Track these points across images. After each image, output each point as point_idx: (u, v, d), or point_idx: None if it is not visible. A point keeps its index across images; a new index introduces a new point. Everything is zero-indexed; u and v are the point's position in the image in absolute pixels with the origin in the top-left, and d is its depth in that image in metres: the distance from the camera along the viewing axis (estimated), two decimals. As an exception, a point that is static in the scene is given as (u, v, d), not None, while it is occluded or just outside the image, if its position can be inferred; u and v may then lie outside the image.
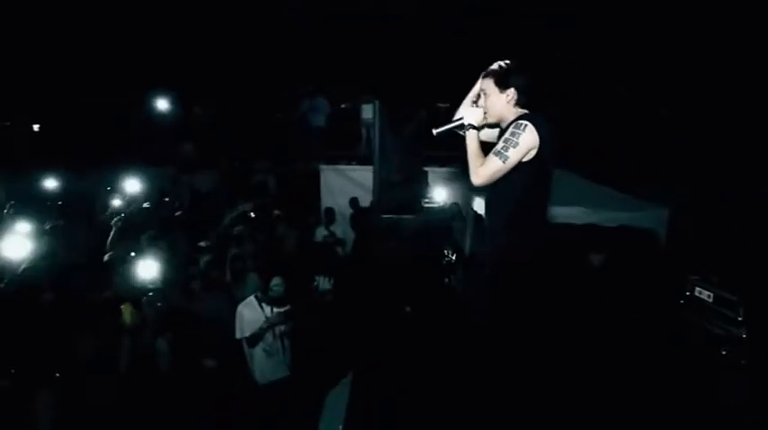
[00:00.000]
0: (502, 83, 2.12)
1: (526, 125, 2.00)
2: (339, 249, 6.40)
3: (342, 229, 6.77)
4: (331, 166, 7.99)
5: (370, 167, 7.23)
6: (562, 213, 5.31)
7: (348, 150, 8.46)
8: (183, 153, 8.86)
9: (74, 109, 10.53)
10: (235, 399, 3.35)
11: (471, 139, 2.15)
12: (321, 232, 6.50)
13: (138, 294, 2.97)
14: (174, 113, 9.57)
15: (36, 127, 12.04)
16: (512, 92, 2.11)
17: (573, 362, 2.79)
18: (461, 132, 2.19)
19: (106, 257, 4.02)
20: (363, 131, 8.33)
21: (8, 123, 12.48)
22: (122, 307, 2.66)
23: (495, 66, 2.15)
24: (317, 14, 9.68)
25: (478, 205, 6.29)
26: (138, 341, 2.81)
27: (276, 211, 6.41)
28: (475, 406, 2.36)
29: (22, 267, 3.22)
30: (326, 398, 2.92)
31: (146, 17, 9.63)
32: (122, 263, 3.84)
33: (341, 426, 2.47)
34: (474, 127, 2.16)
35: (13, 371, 2.09)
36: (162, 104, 9.56)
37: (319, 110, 8.83)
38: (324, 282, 5.38)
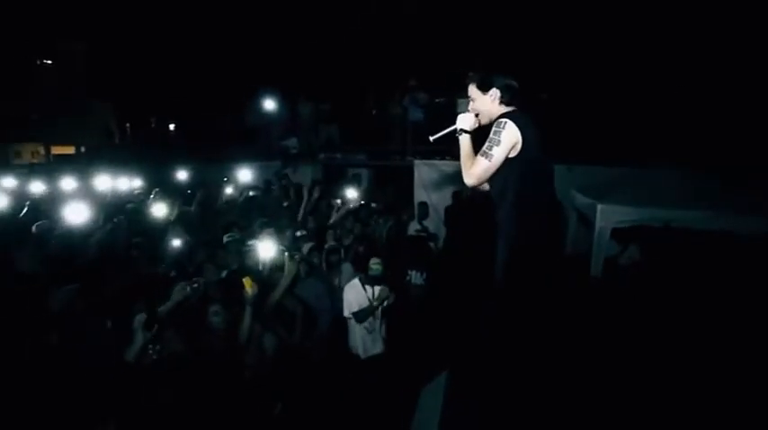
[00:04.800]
0: (484, 85, 2.26)
1: (506, 122, 2.12)
2: (431, 244, 6.38)
3: (434, 224, 6.74)
4: (424, 161, 7.97)
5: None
6: (677, 216, 4.66)
7: (443, 145, 8.34)
8: (286, 148, 9.56)
9: (201, 111, 12.08)
10: (341, 371, 3.67)
11: (463, 143, 2.32)
12: (414, 226, 6.53)
13: (254, 271, 3.30)
14: (280, 112, 10.37)
15: (171, 126, 14.08)
16: (494, 92, 2.23)
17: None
18: (457, 136, 2.34)
19: (225, 238, 4.51)
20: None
21: (152, 125, 14.89)
22: (244, 280, 2.95)
23: (475, 71, 2.28)
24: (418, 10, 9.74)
25: (581, 202, 5.79)
26: (259, 314, 3.11)
27: (372, 204, 6.59)
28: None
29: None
30: (420, 396, 2.94)
31: (256, 30, 10.63)
32: (239, 244, 4.29)
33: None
34: (466, 131, 2.31)
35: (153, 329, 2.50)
36: (270, 104, 10.43)
37: (419, 104, 8.82)
38: (416, 277, 5.40)
